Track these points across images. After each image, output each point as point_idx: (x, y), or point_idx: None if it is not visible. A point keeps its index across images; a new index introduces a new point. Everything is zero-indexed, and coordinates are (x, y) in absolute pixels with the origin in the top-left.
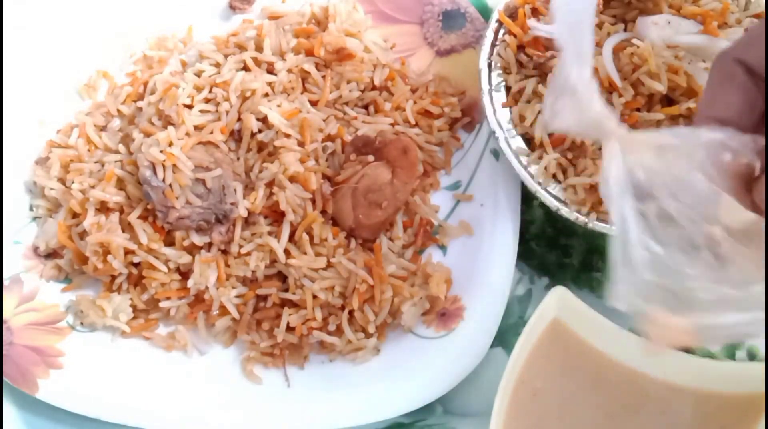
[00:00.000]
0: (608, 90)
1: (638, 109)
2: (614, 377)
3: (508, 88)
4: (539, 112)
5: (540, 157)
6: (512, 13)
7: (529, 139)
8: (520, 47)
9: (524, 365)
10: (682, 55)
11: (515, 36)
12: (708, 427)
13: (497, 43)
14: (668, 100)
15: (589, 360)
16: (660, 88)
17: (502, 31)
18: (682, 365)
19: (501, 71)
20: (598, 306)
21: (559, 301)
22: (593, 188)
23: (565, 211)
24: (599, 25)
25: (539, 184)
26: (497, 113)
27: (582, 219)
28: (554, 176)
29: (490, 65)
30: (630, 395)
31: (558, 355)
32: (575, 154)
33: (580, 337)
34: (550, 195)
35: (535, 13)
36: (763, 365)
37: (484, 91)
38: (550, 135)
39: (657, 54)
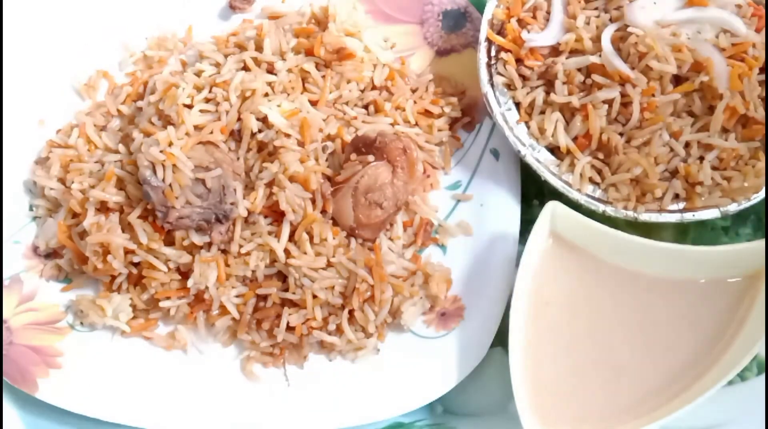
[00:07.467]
0: (620, 83)
1: (653, 95)
2: (614, 279)
3: (517, 104)
4: (557, 121)
5: (572, 164)
6: (499, 30)
7: (552, 149)
8: (519, 61)
9: (532, 280)
10: (679, 31)
11: (511, 52)
12: (709, 311)
13: (493, 62)
14: (676, 79)
15: (588, 267)
16: (671, 68)
17: (494, 49)
18: (679, 258)
19: (505, 89)
20: None
21: (553, 215)
22: (633, 182)
23: (611, 211)
24: (587, 21)
25: (578, 190)
26: (515, 131)
27: (630, 214)
28: (590, 179)
29: (492, 85)
30: (633, 294)
31: (559, 265)
32: (606, 154)
33: (576, 244)
34: (592, 199)
35: (522, 24)
36: (760, 243)
37: (496, 113)
38: (574, 139)
39: (658, 36)
